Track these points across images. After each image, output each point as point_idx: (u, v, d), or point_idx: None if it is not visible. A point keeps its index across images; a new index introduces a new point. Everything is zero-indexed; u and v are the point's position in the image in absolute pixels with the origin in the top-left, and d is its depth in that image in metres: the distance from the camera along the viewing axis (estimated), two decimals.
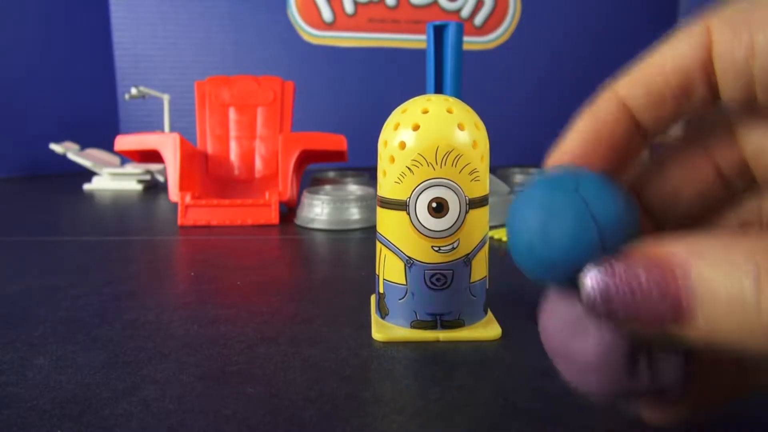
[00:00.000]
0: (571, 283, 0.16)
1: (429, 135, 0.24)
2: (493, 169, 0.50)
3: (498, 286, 0.33)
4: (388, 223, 0.26)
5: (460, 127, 0.25)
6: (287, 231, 0.53)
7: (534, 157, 1.13)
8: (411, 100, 0.26)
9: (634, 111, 0.17)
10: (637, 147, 0.18)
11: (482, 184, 0.26)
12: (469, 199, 0.25)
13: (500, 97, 1.13)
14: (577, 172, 0.16)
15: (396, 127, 0.25)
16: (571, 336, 0.17)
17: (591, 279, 0.15)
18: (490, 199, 0.27)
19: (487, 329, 0.27)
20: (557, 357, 0.18)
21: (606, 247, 0.15)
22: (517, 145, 1.13)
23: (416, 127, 0.25)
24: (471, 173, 0.25)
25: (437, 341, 0.26)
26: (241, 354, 0.25)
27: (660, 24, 1.16)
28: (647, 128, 0.17)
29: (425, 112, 0.25)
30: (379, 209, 0.27)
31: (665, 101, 0.16)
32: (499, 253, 0.44)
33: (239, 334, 0.28)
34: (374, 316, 0.29)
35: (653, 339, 0.15)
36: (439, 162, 0.24)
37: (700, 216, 0.19)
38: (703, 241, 0.14)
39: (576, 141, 0.18)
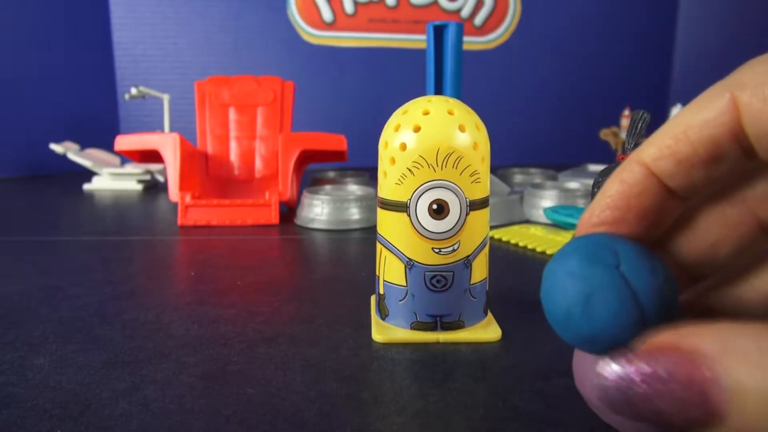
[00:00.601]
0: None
1: (430, 136, 0.24)
2: (493, 170, 0.51)
3: (498, 288, 0.33)
4: (389, 224, 0.26)
5: (461, 128, 0.25)
6: (287, 231, 0.53)
7: (534, 157, 1.14)
8: (412, 101, 0.26)
9: (664, 180, 0.16)
10: (671, 209, 0.17)
11: (483, 185, 0.26)
12: (469, 201, 0.25)
13: (500, 97, 1.13)
14: (616, 243, 0.16)
15: (397, 128, 0.25)
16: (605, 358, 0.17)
17: (612, 373, 0.14)
18: (491, 200, 0.27)
19: (487, 331, 0.27)
20: (605, 410, 0.17)
21: (646, 322, 0.15)
22: (517, 145, 1.13)
23: (417, 129, 0.25)
24: (472, 175, 0.25)
25: (437, 342, 0.26)
26: (241, 354, 0.25)
27: (660, 24, 1.16)
28: (680, 193, 0.17)
29: (426, 113, 0.25)
30: (379, 210, 0.27)
31: (695, 168, 0.16)
32: (499, 255, 0.44)
33: (239, 334, 0.28)
34: (374, 317, 0.29)
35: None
36: (439, 164, 0.24)
37: (739, 267, 0.18)
38: (732, 335, 0.13)
39: (606, 208, 0.17)
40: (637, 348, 0.14)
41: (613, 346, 0.16)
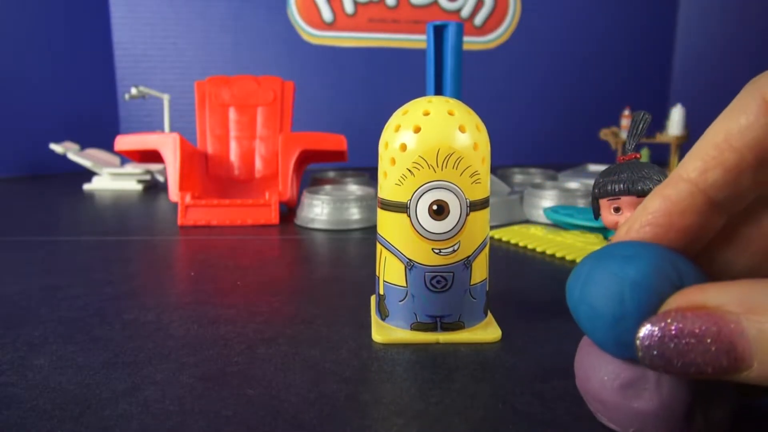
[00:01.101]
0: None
1: (430, 137, 0.24)
2: (494, 170, 0.51)
3: (498, 289, 0.33)
4: (389, 224, 0.26)
5: (461, 129, 0.25)
6: (287, 231, 0.53)
7: (534, 157, 1.14)
8: (412, 102, 0.26)
9: (712, 192, 0.17)
10: (713, 224, 0.17)
11: (483, 186, 0.26)
12: (469, 202, 0.25)
13: (500, 97, 1.13)
14: (677, 260, 0.16)
15: (397, 128, 0.25)
16: (628, 392, 0.17)
17: (647, 333, 0.15)
18: (491, 200, 0.27)
19: (487, 331, 0.27)
20: (609, 410, 0.18)
21: None
22: (517, 145, 1.13)
23: (417, 129, 0.25)
24: (472, 176, 0.25)
25: (437, 343, 0.26)
26: (241, 354, 0.25)
27: (660, 24, 1.16)
28: (725, 205, 0.17)
29: (426, 114, 0.25)
30: (379, 211, 0.27)
31: (743, 175, 0.16)
32: (499, 255, 0.44)
33: (239, 335, 0.28)
34: (374, 318, 0.29)
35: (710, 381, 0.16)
36: (440, 164, 0.24)
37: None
38: (754, 291, 0.14)
39: (647, 224, 0.17)
40: (668, 307, 0.15)
41: None
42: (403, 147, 0.25)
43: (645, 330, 0.15)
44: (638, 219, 0.18)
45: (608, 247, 0.17)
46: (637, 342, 0.15)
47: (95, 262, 0.41)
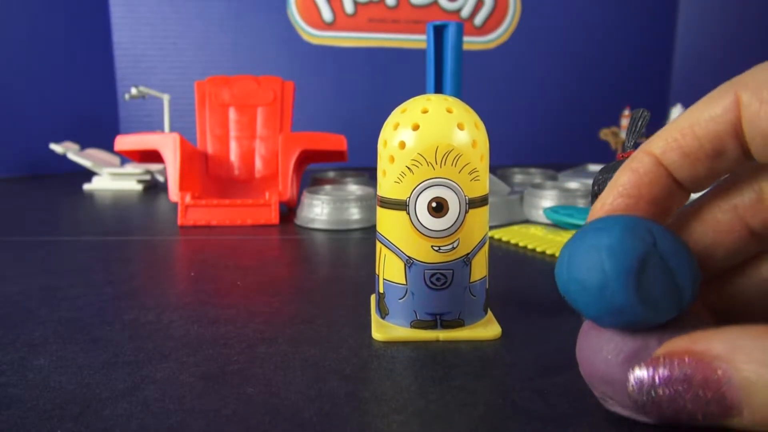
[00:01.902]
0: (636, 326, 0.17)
1: (429, 135, 0.24)
2: (494, 170, 0.51)
3: (498, 287, 0.33)
4: (388, 222, 0.26)
5: (460, 126, 0.25)
6: (287, 231, 0.53)
7: (534, 157, 1.14)
8: (411, 100, 0.26)
9: (671, 170, 0.17)
10: (678, 198, 0.18)
11: (482, 183, 0.26)
12: (469, 199, 0.25)
13: (500, 97, 1.13)
14: (648, 223, 0.17)
15: (396, 126, 0.25)
16: (633, 364, 0.17)
17: (637, 379, 0.16)
18: (490, 199, 0.27)
19: (487, 329, 0.27)
20: (618, 391, 0.18)
21: (682, 302, 0.16)
22: (517, 145, 1.13)
23: (416, 127, 0.25)
24: (471, 173, 0.25)
25: (437, 341, 0.26)
26: (241, 354, 0.25)
27: (660, 24, 1.16)
28: (686, 185, 0.18)
29: (425, 111, 0.25)
30: (378, 209, 0.27)
31: (699, 162, 0.17)
32: (498, 253, 0.44)
33: (239, 334, 0.28)
34: (374, 316, 0.29)
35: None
36: (438, 162, 0.24)
37: (734, 269, 0.19)
38: (739, 337, 0.14)
39: (618, 196, 0.18)
40: (656, 354, 0.16)
41: (647, 322, 0.17)
42: (402, 145, 0.25)
43: (634, 376, 0.16)
44: (610, 194, 0.18)
45: (585, 226, 0.18)
46: (629, 388, 0.16)
47: (95, 262, 0.41)
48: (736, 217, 0.18)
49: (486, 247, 0.27)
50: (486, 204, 0.26)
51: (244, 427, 0.19)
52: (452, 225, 0.25)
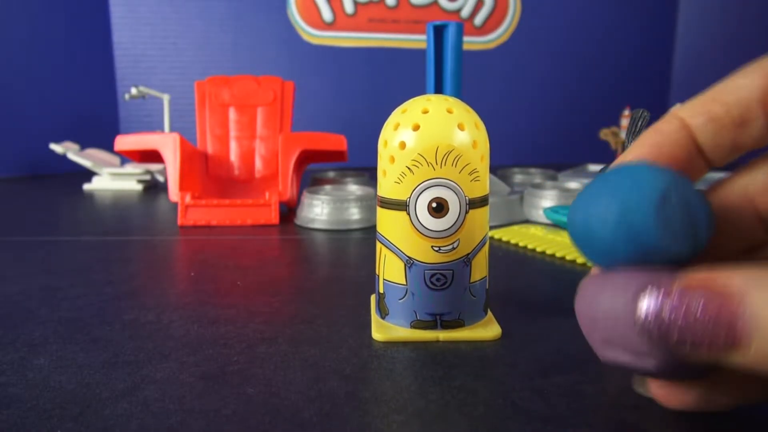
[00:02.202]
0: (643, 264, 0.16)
1: (429, 135, 0.24)
2: (493, 169, 0.51)
3: (498, 287, 0.33)
4: (388, 223, 0.26)
5: (460, 127, 0.25)
6: (287, 231, 0.53)
7: (534, 157, 1.14)
8: (411, 100, 0.26)
9: (696, 134, 0.18)
10: (696, 169, 0.18)
11: (482, 184, 0.26)
12: (469, 199, 0.25)
13: (500, 97, 1.13)
14: (664, 168, 0.17)
15: (396, 127, 0.25)
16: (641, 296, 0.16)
17: (647, 302, 0.15)
18: (490, 199, 0.27)
19: (487, 329, 0.27)
20: (616, 323, 0.17)
21: (698, 243, 0.16)
22: (517, 145, 1.13)
23: (416, 127, 0.25)
24: (471, 173, 0.25)
25: (437, 341, 0.26)
26: (241, 354, 0.25)
27: (660, 24, 1.16)
28: (708, 154, 0.18)
29: (425, 112, 0.25)
30: (379, 209, 0.27)
31: (725, 129, 0.17)
32: (498, 253, 0.44)
33: (239, 334, 0.28)
34: (374, 316, 0.29)
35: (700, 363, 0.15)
36: (439, 162, 0.24)
37: (744, 257, 0.19)
38: (759, 274, 0.14)
39: (640, 154, 0.18)
40: (672, 283, 0.15)
41: (665, 253, 0.16)
42: (402, 145, 0.25)
43: (645, 302, 0.15)
44: (632, 150, 0.19)
45: (609, 169, 0.18)
46: (637, 312, 0.15)
47: (95, 262, 0.41)
48: (746, 198, 0.18)
49: (486, 248, 0.27)
50: (486, 204, 0.26)
51: (244, 427, 0.19)
52: (452, 225, 0.25)
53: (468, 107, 0.26)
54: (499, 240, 0.48)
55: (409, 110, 0.25)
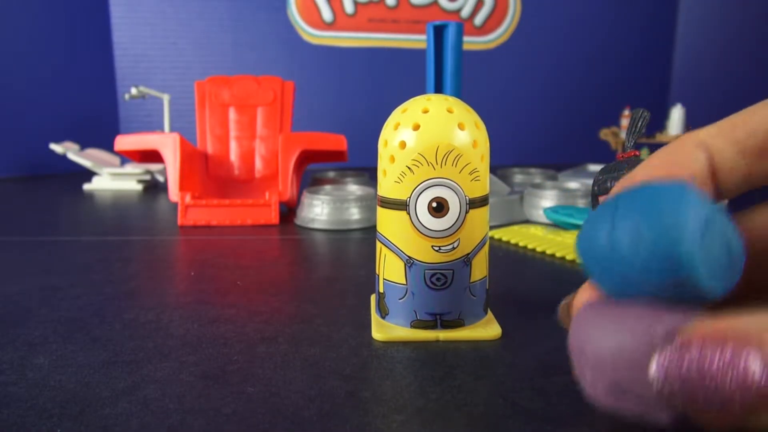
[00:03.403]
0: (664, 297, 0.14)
1: (429, 135, 0.24)
2: (494, 170, 0.51)
3: (498, 287, 0.33)
4: (389, 222, 0.26)
5: (461, 126, 0.25)
6: (287, 231, 0.53)
7: (534, 157, 1.14)
8: (411, 100, 0.26)
9: (714, 155, 0.17)
10: (708, 192, 0.17)
11: (482, 183, 0.26)
12: (469, 199, 0.25)
13: (500, 97, 1.13)
14: (707, 199, 0.15)
15: (396, 126, 0.25)
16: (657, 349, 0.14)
17: (661, 363, 0.14)
18: (490, 199, 0.27)
19: (487, 329, 0.27)
20: (631, 371, 0.15)
21: (732, 279, 0.15)
22: (517, 145, 1.13)
23: (416, 127, 0.25)
24: (471, 173, 0.25)
25: (437, 341, 0.26)
26: (241, 353, 0.25)
27: (660, 24, 1.16)
28: (721, 179, 0.17)
29: (425, 111, 0.25)
30: (379, 209, 0.27)
31: (745, 155, 0.17)
32: (498, 253, 0.44)
33: (239, 334, 0.28)
34: (374, 316, 0.29)
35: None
36: (439, 162, 0.24)
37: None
38: None
39: (651, 172, 0.17)
40: (685, 336, 0.14)
41: (700, 289, 0.14)
42: (403, 144, 0.25)
43: (660, 359, 0.14)
44: (641, 170, 0.18)
45: (617, 194, 0.16)
46: (653, 373, 0.14)
47: (95, 262, 0.41)
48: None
49: (486, 247, 0.27)
50: (486, 204, 0.26)
51: (244, 426, 0.19)
52: (452, 225, 0.25)
53: (468, 107, 0.26)
54: (499, 240, 0.48)
55: (410, 110, 0.25)
